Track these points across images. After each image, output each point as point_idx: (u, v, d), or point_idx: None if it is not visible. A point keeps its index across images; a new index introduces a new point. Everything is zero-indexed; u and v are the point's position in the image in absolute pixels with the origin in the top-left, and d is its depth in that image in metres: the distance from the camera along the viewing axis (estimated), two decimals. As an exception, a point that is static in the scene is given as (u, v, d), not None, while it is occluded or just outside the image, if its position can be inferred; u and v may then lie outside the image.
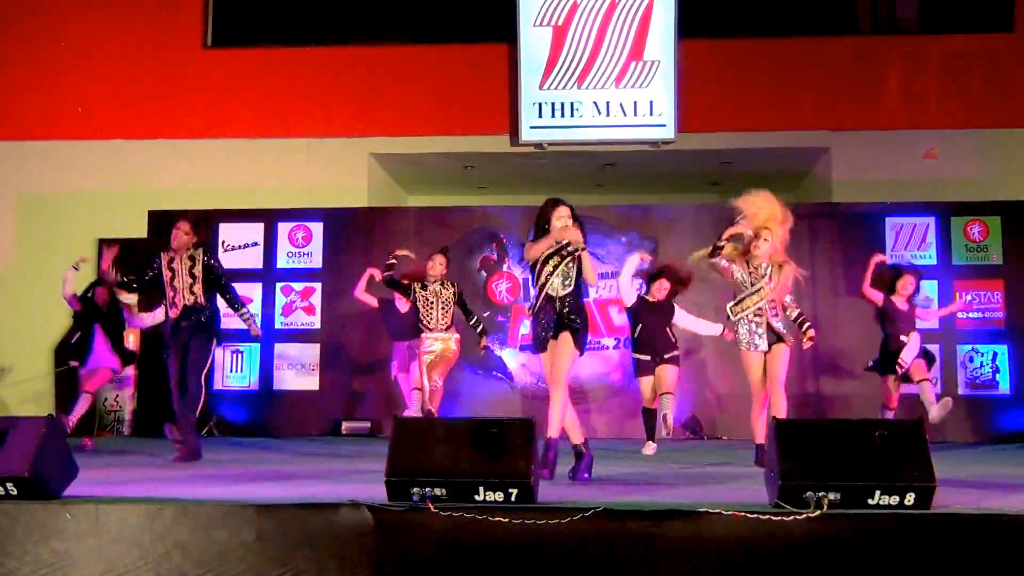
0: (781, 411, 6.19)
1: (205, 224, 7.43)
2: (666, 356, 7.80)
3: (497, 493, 3.77)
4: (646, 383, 7.87)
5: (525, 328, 9.87)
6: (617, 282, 8.38)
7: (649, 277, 8.18)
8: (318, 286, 10.72)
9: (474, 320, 8.10)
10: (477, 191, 13.47)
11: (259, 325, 7.46)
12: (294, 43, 12.09)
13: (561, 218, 5.51)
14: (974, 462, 6.85)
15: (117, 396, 10.76)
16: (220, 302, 6.95)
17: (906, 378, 8.26)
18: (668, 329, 7.91)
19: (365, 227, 10.87)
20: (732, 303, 6.48)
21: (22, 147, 11.85)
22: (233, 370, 10.65)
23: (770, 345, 6.34)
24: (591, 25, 11.59)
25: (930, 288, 9.88)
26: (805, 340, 6.52)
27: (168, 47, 11.98)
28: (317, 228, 10.83)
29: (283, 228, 10.85)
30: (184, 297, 6.71)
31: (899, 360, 8.14)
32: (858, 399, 9.76)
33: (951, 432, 9.48)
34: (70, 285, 8.16)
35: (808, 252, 9.74)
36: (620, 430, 10.03)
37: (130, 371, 10.23)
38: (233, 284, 7.12)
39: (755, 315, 6.34)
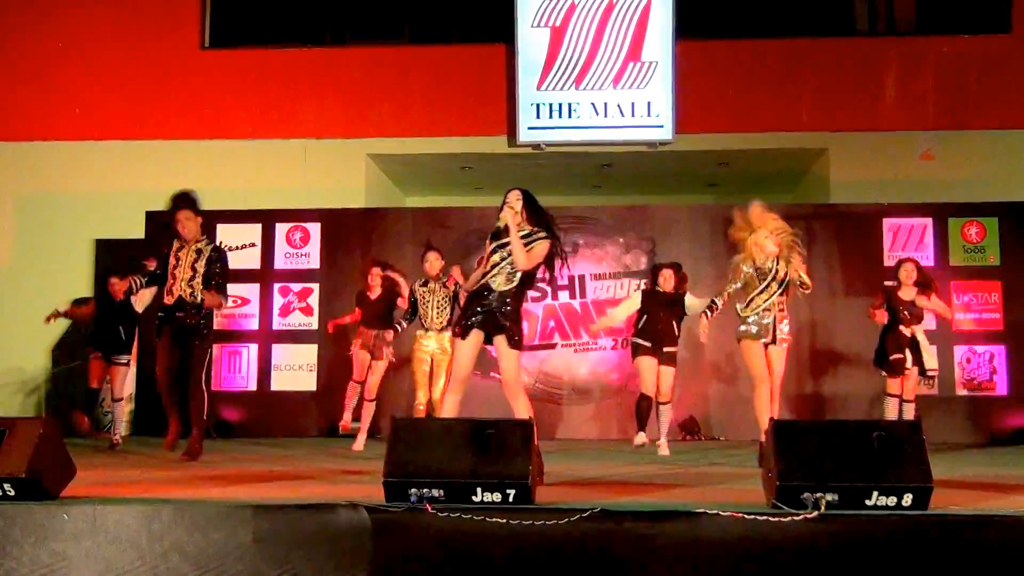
0: (776, 411, 6.24)
1: (204, 224, 7.40)
2: (666, 349, 7.74)
3: (495, 494, 3.76)
4: (645, 366, 7.69)
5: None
6: (614, 283, 8.37)
7: (652, 268, 8.19)
8: (316, 287, 10.72)
9: None
10: (475, 192, 13.46)
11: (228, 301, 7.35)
12: (292, 44, 12.11)
13: (507, 203, 5.30)
14: (971, 463, 6.86)
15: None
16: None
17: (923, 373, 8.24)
18: (674, 322, 7.82)
19: (363, 228, 10.87)
20: (742, 305, 6.50)
21: (20, 148, 11.85)
22: (231, 371, 10.65)
23: (773, 340, 6.38)
24: (589, 26, 11.59)
25: (929, 288, 9.90)
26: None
27: (166, 48, 11.98)
28: (315, 229, 10.83)
29: (281, 229, 10.85)
30: (181, 288, 6.66)
31: (928, 371, 8.15)
32: (855, 399, 9.78)
33: (949, 433, 9.50)
34: (140, 304, 8.41)
35: (806, 253, 9.73)
36: (619, 430, 10.03)
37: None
38: (230, 285, 7.08)
39: (764, 309, 6.40)
